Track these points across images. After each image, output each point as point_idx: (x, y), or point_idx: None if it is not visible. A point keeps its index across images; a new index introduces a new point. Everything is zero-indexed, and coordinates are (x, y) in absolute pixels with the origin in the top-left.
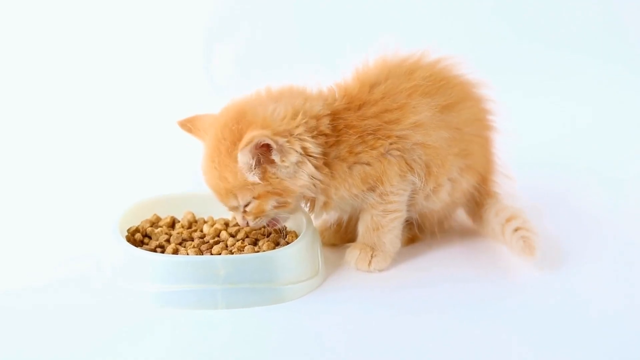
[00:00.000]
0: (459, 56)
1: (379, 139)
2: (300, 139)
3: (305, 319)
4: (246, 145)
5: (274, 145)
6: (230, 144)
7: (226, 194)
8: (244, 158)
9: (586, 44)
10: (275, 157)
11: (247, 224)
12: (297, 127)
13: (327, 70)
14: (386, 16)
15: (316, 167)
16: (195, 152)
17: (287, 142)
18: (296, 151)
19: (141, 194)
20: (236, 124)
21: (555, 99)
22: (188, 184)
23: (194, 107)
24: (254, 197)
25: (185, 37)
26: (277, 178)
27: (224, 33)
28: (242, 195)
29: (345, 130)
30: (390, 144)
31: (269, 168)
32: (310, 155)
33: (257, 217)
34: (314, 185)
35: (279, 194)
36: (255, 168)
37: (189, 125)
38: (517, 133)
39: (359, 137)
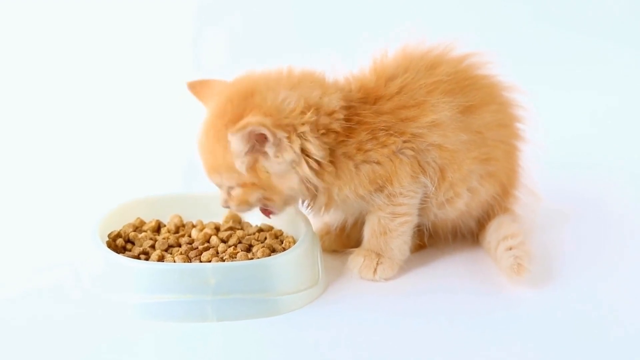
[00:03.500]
0: (488, 53)
1: (392, 135)
2: (302, 138)
3: (304, 332)
4: (239, 130)
5: (270, 138)
6: (229, 121)
7: (212, 169)
8: (235, 142)
9: (613, 29)
10: (269, 149)
11: (227, 205)
12: (303, 124)
13: (334, 59)
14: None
15: (314, 171)
16: (182, 149)
17: (287, 138)
18: (294, 150)
19: (123, 195)
20: (241, 101)
21: (582, 90)
22: (175, 185)
23: (182, 100)
24: (238, 184)
25: (173, 21)
26: (267, 172)
27: (215, 16)
28: (228, 177)
29: (357, 126)
30: (404, 141)
31: (261, 158)
32: (310, 157)
33: (240, 205)
34: (307, 189)
35: (265, 189)
36: (246, 155)
37: (198, 88)
38: (546, 140)
39: (370, 133)
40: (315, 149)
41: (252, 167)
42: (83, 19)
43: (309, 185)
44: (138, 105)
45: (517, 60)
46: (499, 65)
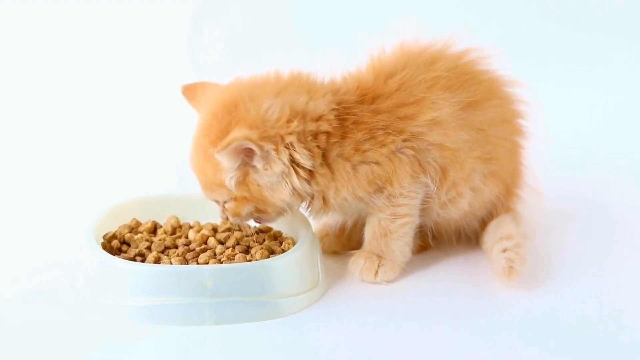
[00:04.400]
0: (488, 48)
1: (390, 134)
2: (290, 148)
3: (303, 336)
4: (225, 147)
5: (257, 152)
6: (215, 137)
7: (205, 186)
8: (224, 160)
9: (621, 23)
10: (257, 163)
11: (227, 218)
12: (290, 133)
13: (332, 57)
14: None
15: (305, 180)
16: (179, 148)
17: (275, 150)
18: (282, 162)
19: (119, 195)
20: (225, 115)
21: (586, 86)
22: (171, 185)
23: (178, 99)
24: (230, 198)
25: (169, 20)
26: (258, 186)
27: (213, 12)
28: (220, 193)
29: (353, 126)
30: (403, 140)
31: (251, 172)
32: (299, 167)
33: (235, 217)
34: (300, 197)
35: (256, 202)
36: (236, 170)
37: (191, 92)
38: (549, 138)
39: (368, 132)
40: (304, 159)
41: (243, 181)
42: (78, 18)
43: (302, 193)
44: (134, 104)
45: (518, 56)
46: (500, 60)
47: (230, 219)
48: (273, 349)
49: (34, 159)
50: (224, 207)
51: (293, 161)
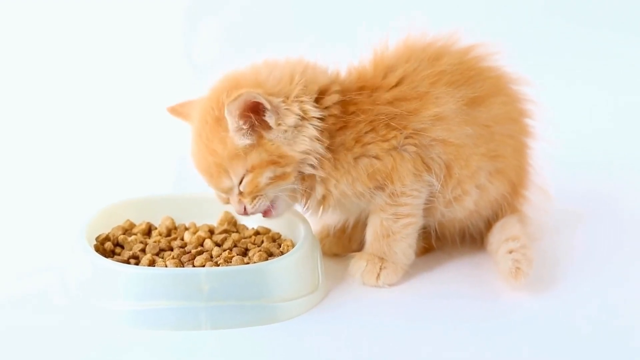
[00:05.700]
0: (495, 44)
1: (393, 129)
2: (299, 101)
3: (303, 341)
4: (233, 101)
5: (267, 105)
6: (219, 112)
7: (217, 171)
8: (232, 118)
9: (627, 22)
10: (269, 119)
11: (245, 211)
12: (294, 89)
13: (333, 52)
14: None
15: (319, 133)
16: (174, 148)
17: (283, 102)
18: (294, 112)
19: (112, 196)
20: (225, 91)
21: (596, 84)
22: (167, 185)
23: (172, 95)
24: (247, 170)
25: (163, 12)
26: (274, 144)
27: (210, 6)
28: (234, 169)
29: (355, 114)
30: (406, 137)
31: (264, 134)
32: (312, 120)
33: (254, 198)
34: (317, 157)
35: (276, 163)
36: (247, 134)
37: (179, 109)
38: (556, 137)
39: (369, 123)
40: (314, 110)
41: (259, 143)
42: (72, 15)
43: (318, 147)
44: (128, 103)
45: (526, 53)
46: (507, 56)
47: (250, 206)
48: (271, 354)
49: (26, 159)
50: (240, 194)
51: (305, 114)
